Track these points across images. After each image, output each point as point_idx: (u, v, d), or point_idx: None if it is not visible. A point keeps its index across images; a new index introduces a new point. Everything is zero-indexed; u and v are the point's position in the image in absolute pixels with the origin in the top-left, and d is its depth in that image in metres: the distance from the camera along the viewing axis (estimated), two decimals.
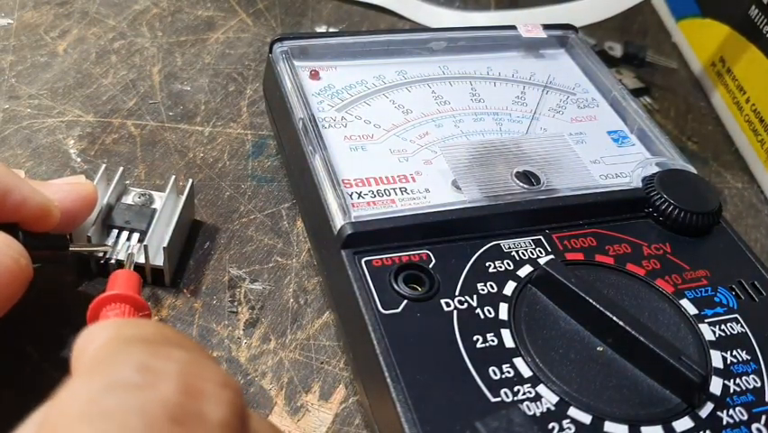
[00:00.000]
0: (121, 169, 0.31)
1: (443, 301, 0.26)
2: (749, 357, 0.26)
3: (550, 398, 0.24)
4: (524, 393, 0.24)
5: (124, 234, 0.30)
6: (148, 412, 0.15)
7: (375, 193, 0.29)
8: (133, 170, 0.35)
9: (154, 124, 0.38)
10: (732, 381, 0.25)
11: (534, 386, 0.24)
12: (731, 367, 0.26)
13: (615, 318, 0.25)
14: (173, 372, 0.16)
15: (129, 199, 0.31)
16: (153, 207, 0.31)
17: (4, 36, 0.41)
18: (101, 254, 0.29)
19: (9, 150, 0.35)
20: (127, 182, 0.32)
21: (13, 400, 0.26)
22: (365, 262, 0.27)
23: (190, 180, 0.32)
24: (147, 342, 0.17)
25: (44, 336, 0.28)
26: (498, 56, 0.38)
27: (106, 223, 0.30)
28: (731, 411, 0.24)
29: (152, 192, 0.32)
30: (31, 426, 0.16)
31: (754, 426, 0.24)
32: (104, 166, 0.32)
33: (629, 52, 0.49)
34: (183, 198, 0.31)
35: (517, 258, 0.28)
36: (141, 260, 0.29)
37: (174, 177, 0.32)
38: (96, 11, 0.44)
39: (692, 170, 0.32)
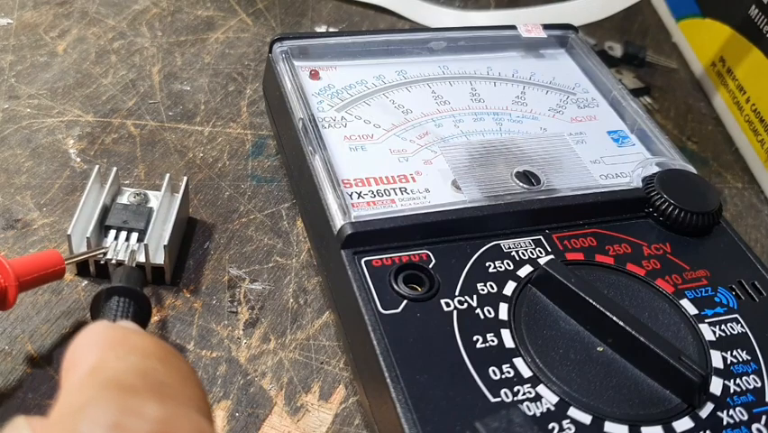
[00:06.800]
0: (114, 169, 0.31)
1: (442, 301, 0.26)
2: (749, 357, 0.26)
3: (550, 398, 0.24)
4: (524, 393, 0.24)
5: (123, 233, 0.30)
6: None
7: (375, 193, 0.29)
8: (133, 169, 0.35)
9: (154, 124, 0.38)
10: (732, 381, 0.25)
11: (534, 386, 0.24)
12: (731, 367, 0.26)
13: (615, 318, 0.25)
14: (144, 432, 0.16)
15: (124, 199, 0.31)
16: (149, 205, 0.31)
17: (4, 36, 0.41)
18: (100, 256, 0.29)
19: (9, 150, 0.35)
20: (125, 182, 0.32)
21: (13, 399, 0.26)
22: (365, 262, 0.27)
23: (185, 178, 0.32)
24: (123, 389, 0.16)
25: (44, 335, 0.28)
26: (498, 56, 0.38)
27: (104, 224, 0.30)
28: (731, 412, 0.24)
29: (147, 191, 0.32)
30: None
31: (755, 426, 0.24)
32: (97, 167, 0.31)
33: (629, 52, 0.49)
34: (179, 195, 0.31)
35: (517, 258, 0.28)
36: (142, 259, 0.29)
37: (168, 175, 0.32)
38: (96, 11, 0.44)
39: (692, 170, 0.32)
